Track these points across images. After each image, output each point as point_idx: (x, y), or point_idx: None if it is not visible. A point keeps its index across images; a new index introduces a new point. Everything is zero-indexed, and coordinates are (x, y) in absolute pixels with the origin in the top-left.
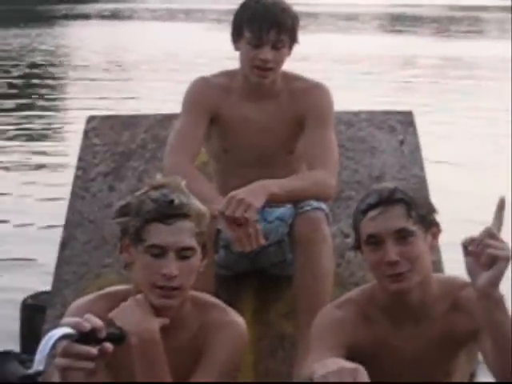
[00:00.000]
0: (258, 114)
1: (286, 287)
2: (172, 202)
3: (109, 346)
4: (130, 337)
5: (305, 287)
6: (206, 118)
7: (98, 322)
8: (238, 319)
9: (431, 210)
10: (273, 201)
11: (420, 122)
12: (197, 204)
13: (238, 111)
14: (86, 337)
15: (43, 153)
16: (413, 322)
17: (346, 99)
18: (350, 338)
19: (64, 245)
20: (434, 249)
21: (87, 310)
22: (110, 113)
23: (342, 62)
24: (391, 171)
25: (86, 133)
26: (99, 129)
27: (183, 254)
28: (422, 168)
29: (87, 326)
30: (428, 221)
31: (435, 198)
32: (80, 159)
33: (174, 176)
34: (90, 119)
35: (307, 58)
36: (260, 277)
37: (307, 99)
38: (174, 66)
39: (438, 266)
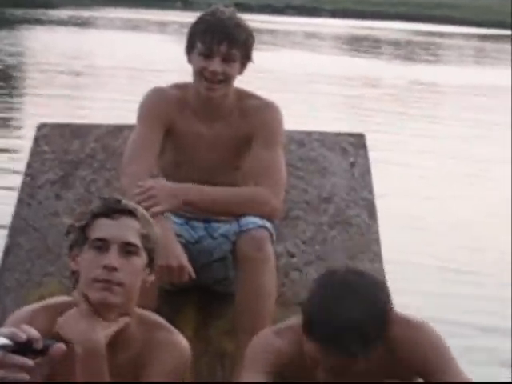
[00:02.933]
0: (209, 130)
1: (229, 304)
2: (119, 200)
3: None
4: (75, 347)
5: (246, 306)
6: (161, 129)
7: (35, 333)
8: (183, 340)
9: None
10: (192, 207)
11: (374, 144)
12: (145, 212)
13: (191, 126)
14: (22, 347)
15: None
16: None
17: (301, 117)
18: (281, 367)
19: (8, 251)
20: None
21: (28, 321)
22: (64, 120)
23: (300, 80)
24: (340, 193)
25: (36, 140)
26: (49, 136)
27: (126, 249)
28: (371, 191)
29: (23, 337)
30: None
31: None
32: (28, 166)
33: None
34: (41, 126)
35: (266, 74)
36: (203, 293)
37: (256, 117)
38: (134, 75)
39: None
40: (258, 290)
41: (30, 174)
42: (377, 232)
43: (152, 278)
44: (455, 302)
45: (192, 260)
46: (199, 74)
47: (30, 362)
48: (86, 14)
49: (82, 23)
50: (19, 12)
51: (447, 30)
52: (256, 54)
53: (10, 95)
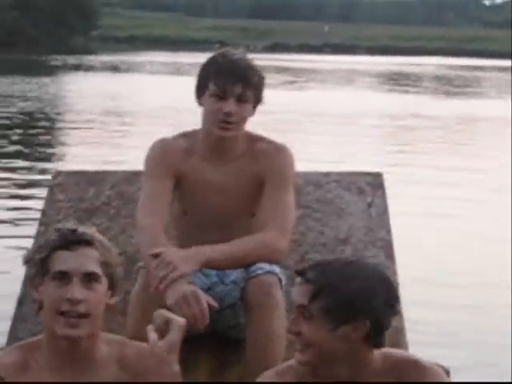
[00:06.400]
0: (219, 175)
1: (243, 350)
2: (75, 230)
3: None
4: None
5: (256, 352)
6: (170, 180)
7: None
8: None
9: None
10: (212, 267)
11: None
12: (102, 237)
13: (199, 173)
14: None
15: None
16: None
17: (337, 156)
18: None
19: (21, 301)
20: (355, 341)
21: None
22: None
23: (337, 118)
24: (358, 234)
25: (51, 188)
26: (65, 184)
27: (88, 278)
28: (388, 231)
29: None
30: (341, 315)
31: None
32: (43, 214)
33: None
34: (57, 174)
35: (305, 113)
36: (216, 340)
37: (267, 161)
38: (174, 117)
39: (400, 332)
40: (268, 335)
41: (44, 222)
42: (395, 273)
43: (114, 300)
44: None
45: None
46: (212, 115)
47: None
48: (124, 58)
49: (123, 68)
50: (66, 59)
51: (484, 63)
52: (294, 93)
53: (52, 136)
